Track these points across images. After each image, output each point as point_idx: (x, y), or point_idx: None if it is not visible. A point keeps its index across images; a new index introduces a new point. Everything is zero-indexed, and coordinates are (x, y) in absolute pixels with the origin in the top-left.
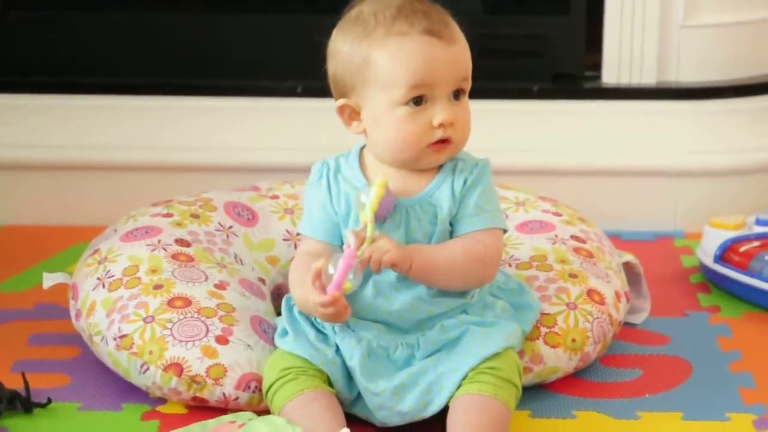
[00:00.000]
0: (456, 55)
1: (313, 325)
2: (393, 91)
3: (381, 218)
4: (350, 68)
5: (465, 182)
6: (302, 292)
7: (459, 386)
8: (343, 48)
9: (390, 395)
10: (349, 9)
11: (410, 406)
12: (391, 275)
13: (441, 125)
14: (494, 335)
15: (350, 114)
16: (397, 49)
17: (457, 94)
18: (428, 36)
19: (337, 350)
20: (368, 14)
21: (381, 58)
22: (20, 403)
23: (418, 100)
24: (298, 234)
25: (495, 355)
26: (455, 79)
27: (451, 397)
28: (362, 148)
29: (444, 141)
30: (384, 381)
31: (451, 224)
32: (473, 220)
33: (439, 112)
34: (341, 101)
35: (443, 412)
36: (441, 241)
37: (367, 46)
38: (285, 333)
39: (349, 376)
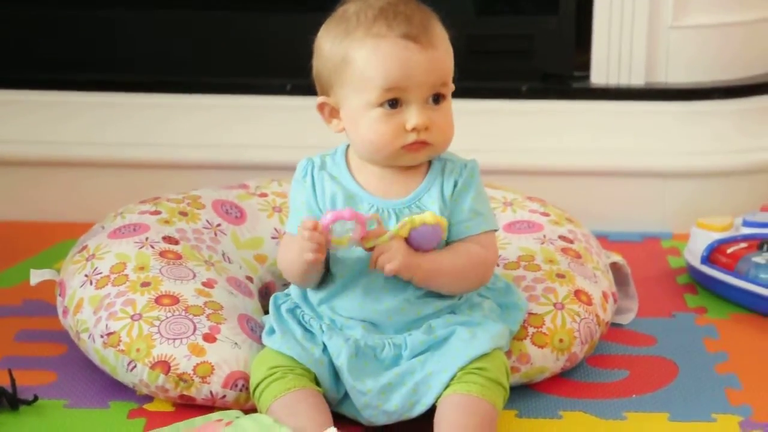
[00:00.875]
0: (433, 59)
1: (300, 323)
2: (367, 92)
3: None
4: (330, 67)
5: (455, 185)
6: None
7: (446, 386)
8: (325, 46)
9: (377, 394)
10: (338, 7)
11: (397, 406)
12: (380, 277)
13: (414, 129)
14: (482, 335)
15: (330, 112)
16: (373, 50)
17: (436, 99)
18: (405, 40)
19: (324, 349)
20: (351, 13)
21: (357, 59)
22: (6, 399)
23: (393, 103)
24: (285, 233)
25: (483, 356)
26: (432, 83)
27: (438, 397)
28: (347, 147)
29: (419, 143)
30: (371, 380)
31: None
32: (470, 225)
33: (412, 116)
34: (321, 99)
35: (430, 411)
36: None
37: (346, 45)
38: (272, 331)
39: (336, 375)
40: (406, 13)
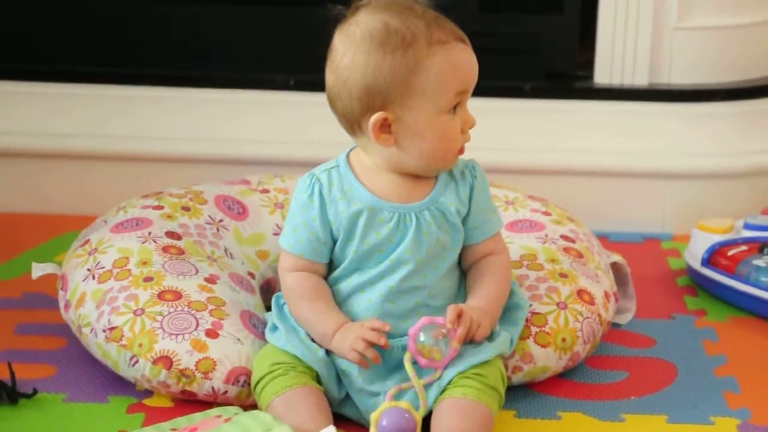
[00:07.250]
0: (476, 61)
1: None
2: (442, 97)
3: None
4: (392, 80)
5: (471, 188)
6: (320, 323)
7: (444, 390)
8: (379, 62)
9: (385, 398)
10: (367, 27)
11: None
12: (395, 279)
13: (468, 130)
14: (484, 343)
15: (381, 127)
16: (445, 55)
17: None
18: (461, 43)
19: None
20: (398, 27)
21: (431, 66)
22: (6, 393)
23: (454, 108)
24: (283, 251)
25: (481, 363)
26: (474, 85)
27: (435, 401)
28: (347, 155)
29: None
30: (379, 384)
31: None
32: (491, 225)
33: (470, 117)
34: (379, 115)
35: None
36: (458, 247)
37: (412, 56)
38: (275, 328)
39: (338, 375)
40: (442, 20)
